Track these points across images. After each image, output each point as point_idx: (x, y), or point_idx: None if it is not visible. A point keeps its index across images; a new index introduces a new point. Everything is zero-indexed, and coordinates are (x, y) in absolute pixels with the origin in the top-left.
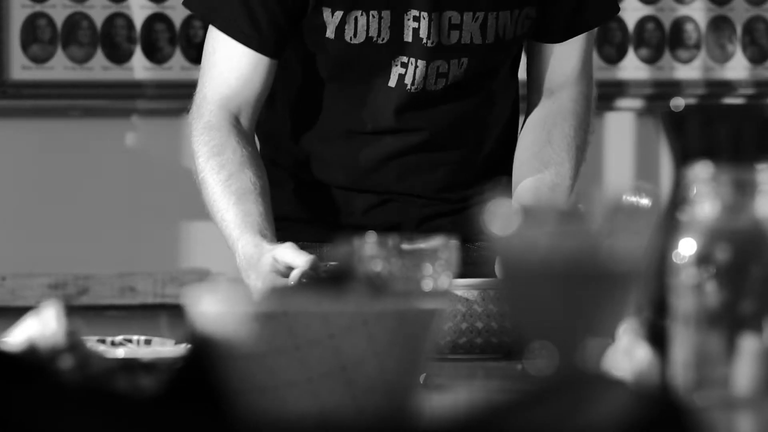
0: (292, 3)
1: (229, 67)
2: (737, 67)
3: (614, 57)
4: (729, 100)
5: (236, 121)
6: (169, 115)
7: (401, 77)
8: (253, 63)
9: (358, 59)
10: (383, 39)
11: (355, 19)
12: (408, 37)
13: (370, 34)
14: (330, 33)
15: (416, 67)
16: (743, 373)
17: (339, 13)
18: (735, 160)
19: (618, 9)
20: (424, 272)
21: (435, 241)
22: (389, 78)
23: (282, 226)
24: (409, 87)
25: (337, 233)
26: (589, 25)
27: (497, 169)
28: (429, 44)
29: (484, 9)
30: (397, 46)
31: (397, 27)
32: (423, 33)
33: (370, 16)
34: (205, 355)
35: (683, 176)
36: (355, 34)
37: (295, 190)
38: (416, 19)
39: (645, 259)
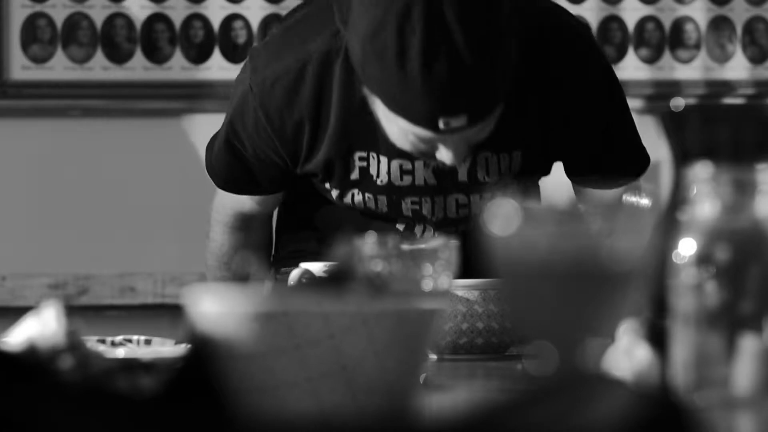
0: (287, 168)
1: (239, 200)
2: (737, 67)
3: (614, 57)
4: (729, 100)
5: (242, 223)
6: (169, 115)
7: (416, 212)
8: (261, 197)
9: (363, 214)
10: (382, 211)
11: (352, 195)
12: (408, 212)
13: (368, 206)
14: (334, 196)
15: (424, 227)
16: (743, 373)
17: (336, 190)
18: (735, 160)
19: (647, 164)
20: (424, 272)
21: (435, 241)
22: (402, 215)
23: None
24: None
25: None
26: (617, 185)
27: None
28: (434, 219)
29: (491, 189)
30: (399, 217)
31: (395, 207)
32: (426, 212)
33: (366, 197)
34: (205, 355)
35: (683, 176)
36: (353, 204)
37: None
38: (415, 203)
39: (645, 259)
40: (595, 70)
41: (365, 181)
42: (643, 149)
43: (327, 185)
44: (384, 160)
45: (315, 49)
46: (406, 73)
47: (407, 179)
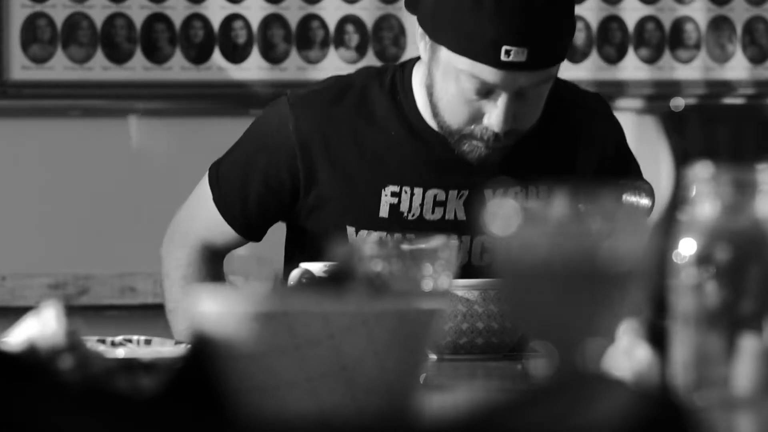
0: (290, 203)
1: (213, 230)
2: (737, 67)
3: (614, 57)
4: (729, 100)
5: (209, 253)
6: (169, 115)
7: None
8: (236, 236)
9: None
10: None
11: (380, 239)
12: None
13: None
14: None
15: None
16: (743, 373)
17: (364, 232)
18: (735, 160)
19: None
20: (424, 272)
21: (435, 241)
22: None
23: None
24: None
25: None
26: None
27: None
28: (459, 263)
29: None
30: None
31: None
32: None
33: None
34: (205, 355)
35: (683, 176)
36: None
37: None
38: None
39: (645, 259)
40: (618, 128)
41: (394, 220)
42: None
43: (349, 229)
44: (418, 192)
45: (358, 80)
46: (479, 2)
47: (438, 212)
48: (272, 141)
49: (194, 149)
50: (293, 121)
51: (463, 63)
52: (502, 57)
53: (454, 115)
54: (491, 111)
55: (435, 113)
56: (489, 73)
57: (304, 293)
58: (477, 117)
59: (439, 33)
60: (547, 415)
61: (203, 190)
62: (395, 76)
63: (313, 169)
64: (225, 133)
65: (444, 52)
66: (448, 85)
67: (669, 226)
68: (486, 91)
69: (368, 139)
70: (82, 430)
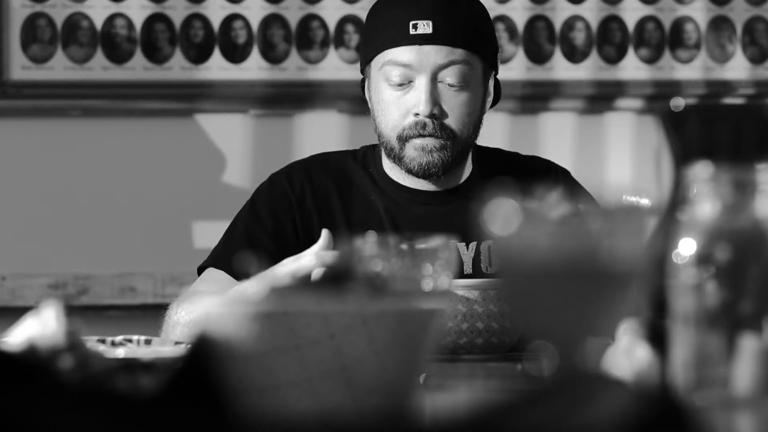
0: (305, 241)
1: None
2: (737, 67)
3: (614, 57)
4: (729, 100)
5: None
6: (169, 115)
7: None
8: None
9: None
10: None
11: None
12: None
13: None
14: None
15: None
16: (743, 373)
17: None
18: (735, 160)
19: None
20: (424, 272)
21: (435, 241)
22: None
23: None
24: None
25: None
26: None
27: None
28: None
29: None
30: None
31: None
32: None
33: None
34: (205, 355)
35: (683, 176)
36: None
37: None
38: None
39: (645, 259)
40: (581, 188)
41: None
42: None
43: None
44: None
45: (333, 156)
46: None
47: None
48: (274, 197)
49: (194, 149)
50: (288, 182)
51: (384, 56)
52: (410, 31)
53: (387, 117)
54: (415, 98)
55: (379, 136)
56: (403, 53)
57: (304, 293)
58: (406, 110)
59: (367, 51)
60: (547, 415)
61: (200, 278)
62: (366, 153)
63: (308, 221)
64: (225, 133)
65: (373, 66)
66: (379, 94)
67: (669, 226)
68: (407, 79)
69: (350, 202)
70: (82, 430)
